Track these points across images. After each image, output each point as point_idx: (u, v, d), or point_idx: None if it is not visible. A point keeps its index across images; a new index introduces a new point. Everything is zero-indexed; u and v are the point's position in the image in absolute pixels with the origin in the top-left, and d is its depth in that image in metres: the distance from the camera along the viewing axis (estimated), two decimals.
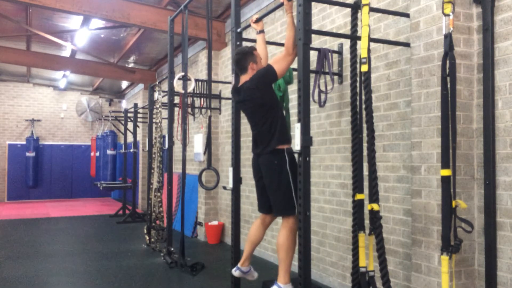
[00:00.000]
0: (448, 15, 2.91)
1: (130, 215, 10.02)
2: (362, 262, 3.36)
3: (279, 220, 4.32)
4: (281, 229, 3.50)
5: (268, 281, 4.68)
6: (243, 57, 3.58)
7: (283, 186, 3.40)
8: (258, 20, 3.84)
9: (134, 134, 10.60)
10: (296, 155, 3.05)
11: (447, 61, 2.93)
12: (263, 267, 5.80)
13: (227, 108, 7.57)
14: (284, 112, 4.06)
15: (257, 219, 3.83)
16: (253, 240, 3.73)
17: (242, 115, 3.93)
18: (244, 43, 4.14)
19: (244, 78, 3.59)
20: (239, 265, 3.78)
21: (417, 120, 3.40)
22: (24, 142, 14.63)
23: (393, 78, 4.10)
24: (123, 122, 11.39)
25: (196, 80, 6.75)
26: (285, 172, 3.39)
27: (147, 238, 7.07)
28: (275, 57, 3.46)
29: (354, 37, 3.59)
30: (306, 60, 2.94)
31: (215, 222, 7.56)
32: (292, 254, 3.49)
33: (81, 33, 9.00)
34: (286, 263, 3.44)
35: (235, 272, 3.79)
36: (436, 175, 3.20)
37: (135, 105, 10.68)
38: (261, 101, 3.45)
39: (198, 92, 7.10)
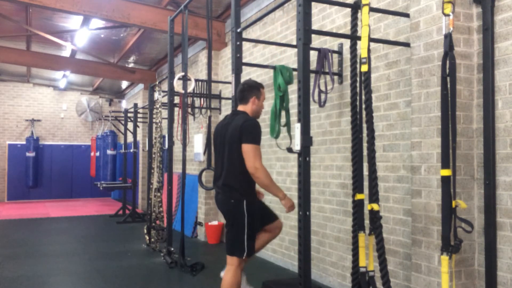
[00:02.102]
0: (448, 15, 2.91)
1: (130, 215, 10.02)
2: (362, 262, 3.36)
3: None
4: (227, 268, 3.54)
5: (268, 281, 4.69)
6: (249, 89, 3.61)
7: (237, 226, 3.45)
8: None
9: (134, 134, 10.60)
10: (296, 154, 3.05)
11: (447, 61, 2.93)
12: (263, 267, 5.80)
13: (227, 108, 7.57)
14: (284, 112, 4.07)
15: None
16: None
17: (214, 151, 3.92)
18: (244, 43, 4.15)
19: (242, 108, 3.63)
20: None
21: (417, 120, 3.40)
22: (24, 142, 14.63)
23: (393, 78, 4.10)
24: (123, 122, 11.38)
25: (196, 80, 6.75)
26: (241, 213, 3.42)
27: (147, 238, 7.07)
28: (256, 154, 3.39)
29: (354, 37, 3.59)
30: (306, 60, 2.94)
31: (215, 222, 7.56)
32: None
33: (81, 33, 9.00)
34: None
35: None
36: (436, 175, 3.20)
37: (135, 105, 10.68)
38: (239, 144, 3.43)
39: (198, 92, 7.10)
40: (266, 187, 3.44)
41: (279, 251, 5.88)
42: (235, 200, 3.45)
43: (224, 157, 3.55)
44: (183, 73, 5.70)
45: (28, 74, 13.96)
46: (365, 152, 3.38)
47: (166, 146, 7.03)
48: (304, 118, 2.92)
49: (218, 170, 3.63)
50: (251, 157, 3.35)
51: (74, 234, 8.59)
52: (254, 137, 3.41)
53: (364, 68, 3.09)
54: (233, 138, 3.45)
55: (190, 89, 5.96)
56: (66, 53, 11.06)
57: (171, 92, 6.06)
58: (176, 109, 6.56)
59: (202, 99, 7.40)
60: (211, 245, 7.33)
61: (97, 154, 14.47)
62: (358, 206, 3.46)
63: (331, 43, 4.90)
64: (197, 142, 8.05)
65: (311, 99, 3.12)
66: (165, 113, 8.39)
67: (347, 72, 4.52)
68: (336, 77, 4.76)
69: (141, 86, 12.67)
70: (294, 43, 4.97)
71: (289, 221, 5.51)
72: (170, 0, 7.30)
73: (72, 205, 13.52)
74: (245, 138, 3.38)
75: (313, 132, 5.07)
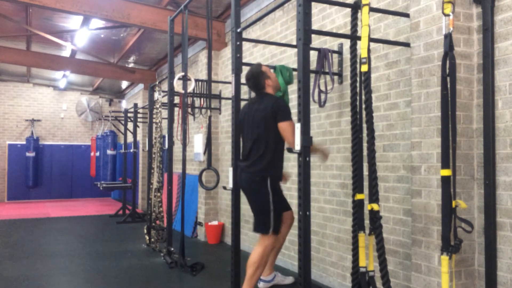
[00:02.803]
0: (448, 15, 2.91)
1: (130, 215, 10.01)
2: (362, 262, 3.36)
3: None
4: (256, 246, 3.54)
5: None
6: (257, 79, 3.74)
7: (262, 203, 3.47)
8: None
9: (134, 134, 10.60)
10: (296, 155, 3.06)
11: (447, 61, 2.93)
12: None
13: (227, 108, 7.57)
14: None
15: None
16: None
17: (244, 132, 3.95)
18: (244, 43, 4.15)
19: (263, 92, 3.74)
20: (261, 276, 3.76)
21: (417, 120, 3.40)
22: (24, 142, 14.63)
23: (393, 78, 4.10)
24: (123, 122, 11.38)
25: (196, 80, 6.75)
26: (265, 191, 3.46)
27: (147, 238, 7.07)
28: (294, 129, 3.36)
29: (354, 37, 3.59)
30: (306, 60, 2.94)
31: (215, 222, 7.56)
32: (260, 273, 3.60)
33: (81, 33, 9.00)
34: (252, 281, 3.55)
35: (259, 284, 3.77)
36: (436, 175, 3.20)
37: (135, 105, 10.68)
38: (268, 124, 3.54)
39: (198, 92, 7.10)
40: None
41: None
42: (260, 178, 3.50)
43: (253, 138, 3.63)
44: (183, 73, 5.70)
45: (28, 74, 13.96)
46: (365, 152, 3.38)
47: (166, 146, 7.03)
48: (304, 118, 2.92)
49: (246, 150, 3.70)
50: (290, 132, 3.44)
51: (74, 234, 8.59)
52: (289, 114, 3.55)
53: (364, 68, 3.09)
54: (265, 119, 3.56)
55: (190, 89, 5.96)
56: (66, 53, 11.06)
57: (171, 92, 6.06)
58: (176, 109, 6.56)
59: (202, 99, 7.40)
60: (211, 245, 7.33)
61: (97, 154, 14.47)
62: (358, 206, 3.46)
63: (331, 43, 4.90)
64: (197, 142, 8.05)
65: (311, 99, 3.12)
66: (165, 113, 8.39)
67: (347, 72, 4.52)
68: (336, 77, 4.76)
69: (141, 86, 12.67)
70: (294, 43, 4.97)
71: None
72: (170, 0, 7.30)
73: (72, 205, 13.52)
74: (281, 116, 3.50)
75: (313, 132, 5.07)
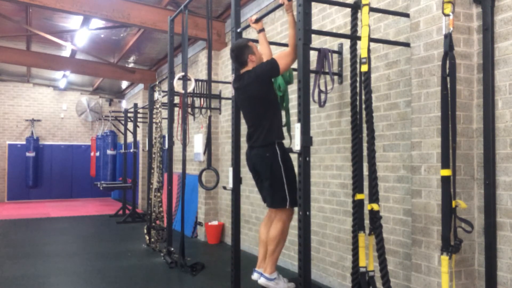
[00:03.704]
0: (448, 15, 2.91)
1: (130, 215, 10.02)
2: (362, 262, 3.36)
3: None
4: (274, 222, 3.51)
5: None
6: (241, 52, 3.64)
7: (275, 178, 3.43)
8: (257, 20, 3.85)
9: (134, 134, 10.60)
10: (296, 154, 3.06)
11: (447, 61, 2.93)
12: None
13: (227, 108, 7.57)
14: (284, 112, 4.07)
15: (264, 218, 3.82)
16: (264, 240, 3.71)
17: (242, 115, 3.93)
18: None
19: (246, 69, 3.65)
20: (256, 268, 3.71)
21: (417, 120, 3.40)
22: (24, 142, 14.62)
23: (393, 78, 4.10)
24: (123, 122, 11.38)
25: (196, 80, 6.74)
26: (276, 165, 3.42)
27: (147, 238, 7.07)
28: (281, 53, 3.48)
29: (354, 37, 3.59)
30: (306, 60, 2.94)
31: (215, 222, 7.56)
32: (281, 247, 3.54)
33: (81, 33, 9.00)
34: (275, 256, 3.50)
35: (254, 275, 3.65)
36: (436, 175, 3.20)
37: (135, 105, 10.68)
38: (259, 94, 3.50)
39: (198, 92, 7.10)
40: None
41: None
42: (270, 153, 3.46)
43: (251, 114, 3.61)
44: (183, 73, 5.70)
45: (28, 74, 13.96)
46: (365, 152, 3.38)
47: (166, 146, 7.03)
48: (304, 118, 2.92)
49: (250, 128, 3.66)
50: (285, 58, 3.41)
51: (74, 234, 8.59)
52: (269, 62, 3.48)
53: (364, 68, 3.09)
54: (252, 91, 3.53)
55: (190, 89, 5.96)
56: (66, 53, 11.06)
57: (171, 92, 6.06)
58: (176, 109, 6.56)
59: (202, 99, 7.40)
60: (211, 245, 7.33)
61: (97, 154, 14.47)
62: (358, 206, 3.46)
63: (331, 43, 4.89)
64: (197, 142, 8.05)
65: (311, 99, 3.12)
66: (165, 113, 8.39)
67: (347, 72, 4.52)
68: (336, 77, 4.76)
69: (141, 86, 12.67)
70: None
71: None
72: (170, 0, 7.30)
73: (72, 205, 13.52)
74: (273, 70, 3.45)
75: (313, 132, 5.07)
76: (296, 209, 3.26)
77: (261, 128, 3.51)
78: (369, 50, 3.09)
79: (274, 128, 3.52)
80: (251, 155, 3.64)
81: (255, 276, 3.66)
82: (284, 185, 3.42)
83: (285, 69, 3.49)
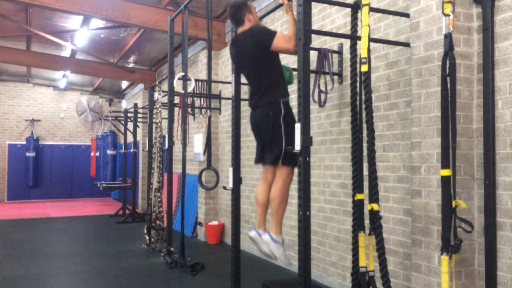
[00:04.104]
0: (448, 15, 2.91)
1: (130, 215, 10.02)
2: (362, 262, 3.36)
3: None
4: (274, 182, 3.49)
5: (268, 281, 4.69)
6: (239, 9, 3.59)
7: (275, 137, 3.40)
8: None
9: (134, 134, 10.60)
10: (293, 111, 2.97)
11: (447, 61, 2.93)
12: (263, 267, 5.80)
13: (227, 108, 7.57)
14: None
15: (260, 181, 3.77)
16: (261, 203, 3.67)
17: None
18: None
19: (242, 29, 3.61)
20: (256, 227, 3.64)
21: (417, 120, 3.40)
22: (24, 142, 14.62)
23: (393, 78, 4.10)
24: (123, 122, 11.39)
25: (196, 80, 6.75)
26: (278, 124, 3.39)
27: (147, 238, 7.07)
28: (285, 36, 3.37)
29: (354, 37, 3.59)
30: (306, 60, 2.94)
31: (215, 222, 7.56)
32: (284, 207, 3.49)
33: (81, 33, 9.00)
34: (278, 216, 3.45)
35: (252, 232, 3.60)
36: (436, 175, 3.20)
37: (135, 105, 10.68)
38: (257, 53, 3.45)
39: (198, 92, 7.10)
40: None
41: None
42: (273, 112, 3.42)
43: (252, 73, 3.57)
44: (183, 73, 5.70)
45: (28, 74, 13.96)
46: (365, 152, 3.38)
47: (166, 146, 7.03)
48: (304, 118, 2.92)
49: (253, 87, 3.63)
50: (283, 42, 3.33)
51: (74, 234, 8.59)
52: (268, 31, 3.43)
53: (364, 68, 3.09)
54: (249, 51, 3.48)
55: (190, 89, 5.96)
56: (66, 53, 11.06)
57: (171, 92, 6.06)
58: (176, 109, 6.56)
59: (202, 99, 7.40)
60: (211, 245, 7.33)
61: (97, 154, 14.47)
62: (358, 206, 3.46)
63: (331, 43, 4.89)
64: (197, 142, 8.05)
65: (311, 99, 3.11)
66: (165, 113, 8.39)
67: (347, 72, 4.52)
68: (336, 77, 4.76)
69: (141, 86, 12.67)
70: None
71: (289, 221, 5.51)
72: (170, 0, 7.30)
73: (72, 205, 13.52)
74: (265, 39, 3.38)
75: (313, 132, 5.07)
76: (296, 210, 3.25)
77: (264, 87, 3.47)
78: (369, 50, 3.09)
79: (278, 86, 3.48)
80: (255, 114, 3.61)
81: (252, 233, 3.59)
82: (282, 143, 3.36)
83: (276, 48, 3.39)
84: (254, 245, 3.61)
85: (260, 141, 3.66)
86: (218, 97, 7.55)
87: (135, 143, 10.54)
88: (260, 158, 3.69)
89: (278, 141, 3.39)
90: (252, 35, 3.46)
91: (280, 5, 3.67)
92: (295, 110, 3.10)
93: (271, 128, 3.42)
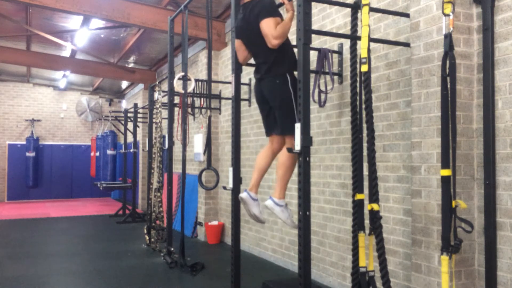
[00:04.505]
0: (448, 15, 2.91)
1: (130, 215, 10.02)
2: (362, 262, 3.36)
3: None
4: (283, 149, 3.49)
5: (268, 281, 4.69)
6: None
7: (285, 105, 3.39)
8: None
9: (134, 134, 10.60)
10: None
11: (447, 61, 2.93)
12: (263, 267, 5.80)
13: (227, 108, 7.57)
14: None
15: (264, 148, 3.77)
16: (260, 167, 3.68)
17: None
18: None
19: (245, 0, 3.62)
20: (247, 189, 3.65)
21: (417, 120, 3.40)
22: (24, 142, 14.62)
23: (393, 78, 4.10)
24: (123, 122, 11.39)
25: (196, 80, 6.74)
26: (287, 91, 3.38)
27: (147, 238, 7.07)
28: (276, 24, 3.38)
29: (354, 37, 3.59)
30: (306, 60, 2.94)
31: (215, 222, 7.56)
32: (290, 174, 3.50)
33: (81, 33, 9.00)
34: (283, 181, 3.48)
35: (243, 194, 3.61)
36: (436, 175, 3.20)
37: (135, 105, 10.68)
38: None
39: (198, 92, 7.10)
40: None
41: (279, 251, 5.88)
42: (280, 81, 3.42)
43: (258, 45, 3.54)
44: (183, 73, 5.70)
45: (28, 74, 13.96)
46: (365, 152, 3.38)
47: (166, 146, 7.03)
48: (304, 118, 2.92)
49: (259, 60, 3.61)
50: (268, 28, 3.33)
51: (74, 234, 8.59)
52: (269, 10, 3.42)
53: (364, 68, 3.09)
54: (253, 26, 3.47)
55: (190, 89, 5.96)
56: (66, 53, 11.06)
57: (171, 92, 6.06)
58: (176, 109, 6.56)
59: (202, 99, 7.40)
60: (211, 245, 7.33)
61: (97, 154, 14.46)
62: (358, 206, 3.46)
63: (331, 43, 4.90)
64: (197, 142, 8.05)
65: (311, 99, 3.11)
66: (165, 113, 8.39)
67: (347, 72, 4.52)
68: (336, 77, 4.76)
69: (141, 86, 12.67)
70: (294, 43, 4.96)
71: None
72: (170, 0, 7.30)
73: (72, 205, 13.52)
74: (261, 15, 3.39)
75: (313, 132, 5.07)
76: (296, 210, 3.24)
77: (271, 60, 3.46)
78: (369, 50, 3.09)
79: (286, 60, 3.46)
80: (260, 86, 3.60)
81: (244, 194, 3.58)
82: (294, 111, 3.32)
83: (261, 29, 3.39)
84: (244, 207, 3.64)
85: (265, 112, 3.66)
86: (218, 97, 7.55)
87: (135, 143, 10.54)
88: (270, 129, 3.68)
89: (289, 110, 3.37)
90: (257, 9, 3.44)
91: (280, 5, 3.67)
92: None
93: (280, 95, 3.42)
